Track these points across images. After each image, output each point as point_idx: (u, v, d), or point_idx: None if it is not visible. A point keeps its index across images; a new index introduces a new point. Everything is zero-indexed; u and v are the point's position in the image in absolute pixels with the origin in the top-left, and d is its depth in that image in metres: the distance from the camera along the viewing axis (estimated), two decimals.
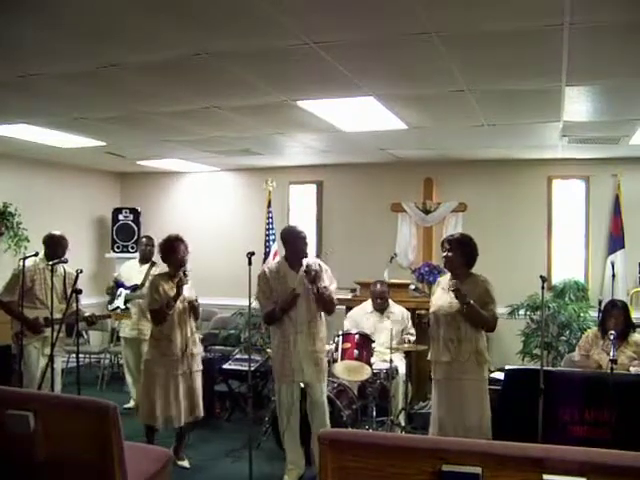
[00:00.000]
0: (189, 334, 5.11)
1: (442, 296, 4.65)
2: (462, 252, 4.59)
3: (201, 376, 5.27)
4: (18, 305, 5.24)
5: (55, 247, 5.53)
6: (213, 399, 6.76)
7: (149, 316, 5.27)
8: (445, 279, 4.75)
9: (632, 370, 4.85)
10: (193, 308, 5.14)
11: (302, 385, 4.95)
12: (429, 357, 4.69)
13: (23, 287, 5.26)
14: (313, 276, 4.71)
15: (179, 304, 5.04)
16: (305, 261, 4.86)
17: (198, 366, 5.23)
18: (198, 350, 5.27)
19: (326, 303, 4.87)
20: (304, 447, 5.04)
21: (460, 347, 4.46)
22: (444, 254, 4.67)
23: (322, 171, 9.00)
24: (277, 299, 4.82)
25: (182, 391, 5.04)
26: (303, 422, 4.99)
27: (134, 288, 6.70)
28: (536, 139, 6.72)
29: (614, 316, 5.09)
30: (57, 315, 5.06)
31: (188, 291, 5.14)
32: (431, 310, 4.70)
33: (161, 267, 5.88)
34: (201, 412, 5.21)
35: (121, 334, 6.99)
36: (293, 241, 4.89)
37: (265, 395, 6.61)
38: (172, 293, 5.00)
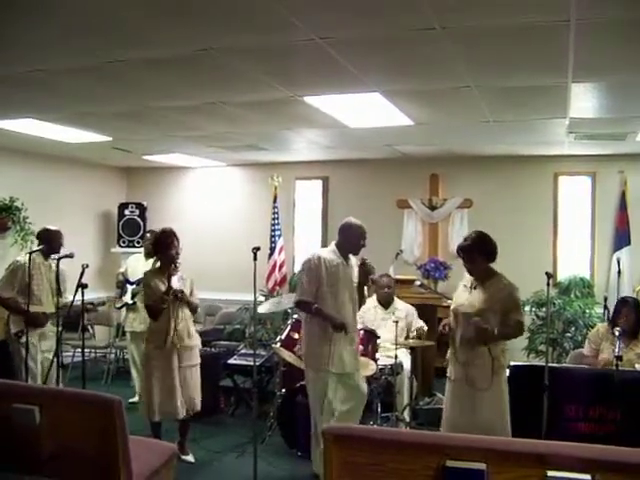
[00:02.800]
0: (181, 326, 5.05)
1: (462, 294, 4.47)
2: (479, 251, 4.37)
3: (199, 369, 5.21)
4: (16, 301, 5.27)
5: (52, 242, 5.50)
6: (218, 394, 6.77)
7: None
8: (468, 276, 4.55)
9: (637, 367, 4.84)
10: (181, 300, 5.02)
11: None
12: (447, 356, 4.55)
13: (29, 282, 5.26)
14: (369, 269, 4.87)
15: (171, 296, 4.98)
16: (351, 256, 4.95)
17: (195, 359, 5.18)
18: (194, 342, 5.20)
19: (363, 297, 5.14)
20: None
21: (476, 349, 4.28)
22: (464, 264, 4.47)
23: (328, 167, 9.00)
24: (319, 286, 4.74)
25: (178, 384, 5.00)
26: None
27: (139, 282, 6.70)
28: (542, 135, 6.70)
29: (624, 313, 5.04)
30: (52, 311, 5.10)
31: (176, 283, 5.05)
32: (451, 307, 4.54)
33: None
34: (198, 406, 5.16)
35: (128, 329, 7.00)
36: (356, 235, 4.83)
37: (270, 390, 6.61)
38: (164, 287, 4.97)
